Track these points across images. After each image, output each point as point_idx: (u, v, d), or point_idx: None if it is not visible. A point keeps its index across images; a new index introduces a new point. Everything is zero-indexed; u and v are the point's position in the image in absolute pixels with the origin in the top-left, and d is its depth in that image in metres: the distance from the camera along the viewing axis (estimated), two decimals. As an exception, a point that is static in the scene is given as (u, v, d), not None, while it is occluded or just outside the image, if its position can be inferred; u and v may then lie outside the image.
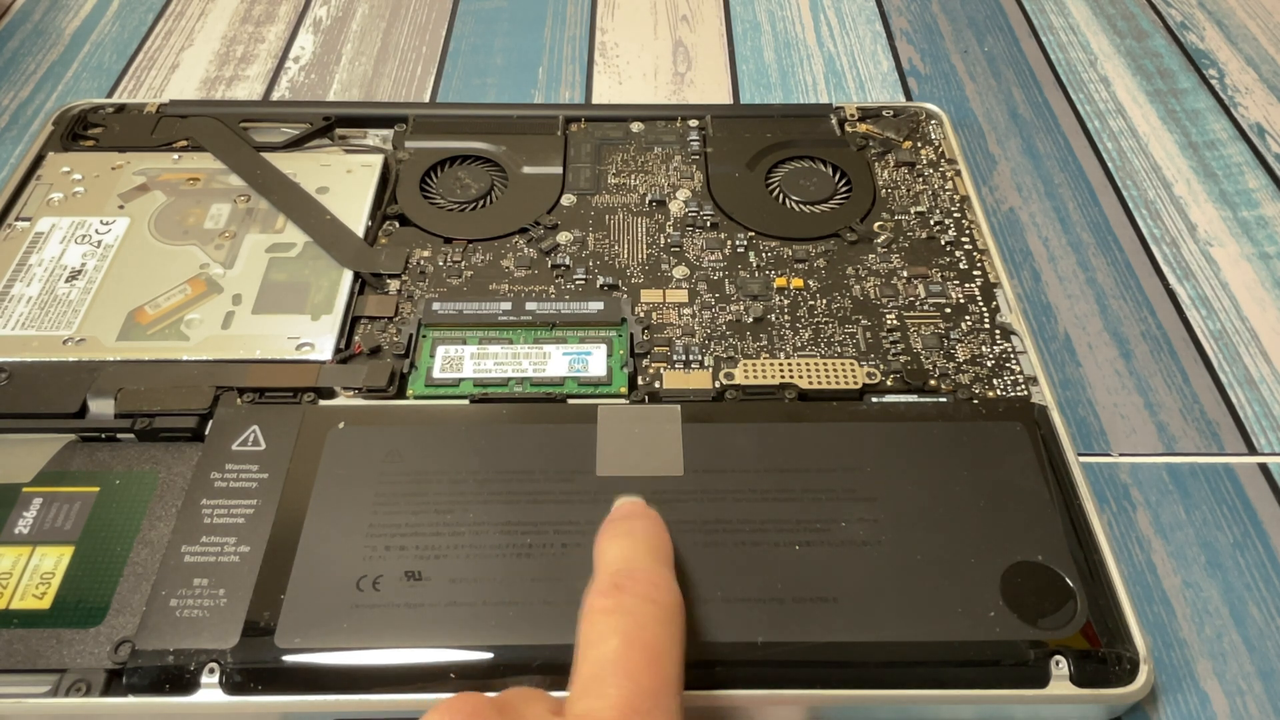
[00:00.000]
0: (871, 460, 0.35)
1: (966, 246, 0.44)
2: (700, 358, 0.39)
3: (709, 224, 0.45)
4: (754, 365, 0.39)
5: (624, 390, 0.38)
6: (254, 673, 0.30)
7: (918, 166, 0.48)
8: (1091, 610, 0.32)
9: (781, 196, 0.47)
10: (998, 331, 0.41)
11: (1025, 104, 0.55)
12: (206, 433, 0.36)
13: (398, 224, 0.45)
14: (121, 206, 0.45)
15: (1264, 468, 0.39)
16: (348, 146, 0.49)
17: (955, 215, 0.45)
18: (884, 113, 0.51)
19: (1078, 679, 0.30)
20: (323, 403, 0.37)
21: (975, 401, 0.38)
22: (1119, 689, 0.31)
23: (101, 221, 0.44)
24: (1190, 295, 0.45)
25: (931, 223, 0.45)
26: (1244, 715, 0.32)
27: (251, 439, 0.36)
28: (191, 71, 0.57)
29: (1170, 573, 0.35)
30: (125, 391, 0.37)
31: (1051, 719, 0.32)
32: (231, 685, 0.30)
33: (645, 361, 0.39)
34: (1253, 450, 0.39)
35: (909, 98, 0.56)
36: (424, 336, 0.40)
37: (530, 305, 0.41)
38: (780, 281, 0.42)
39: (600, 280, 0.42)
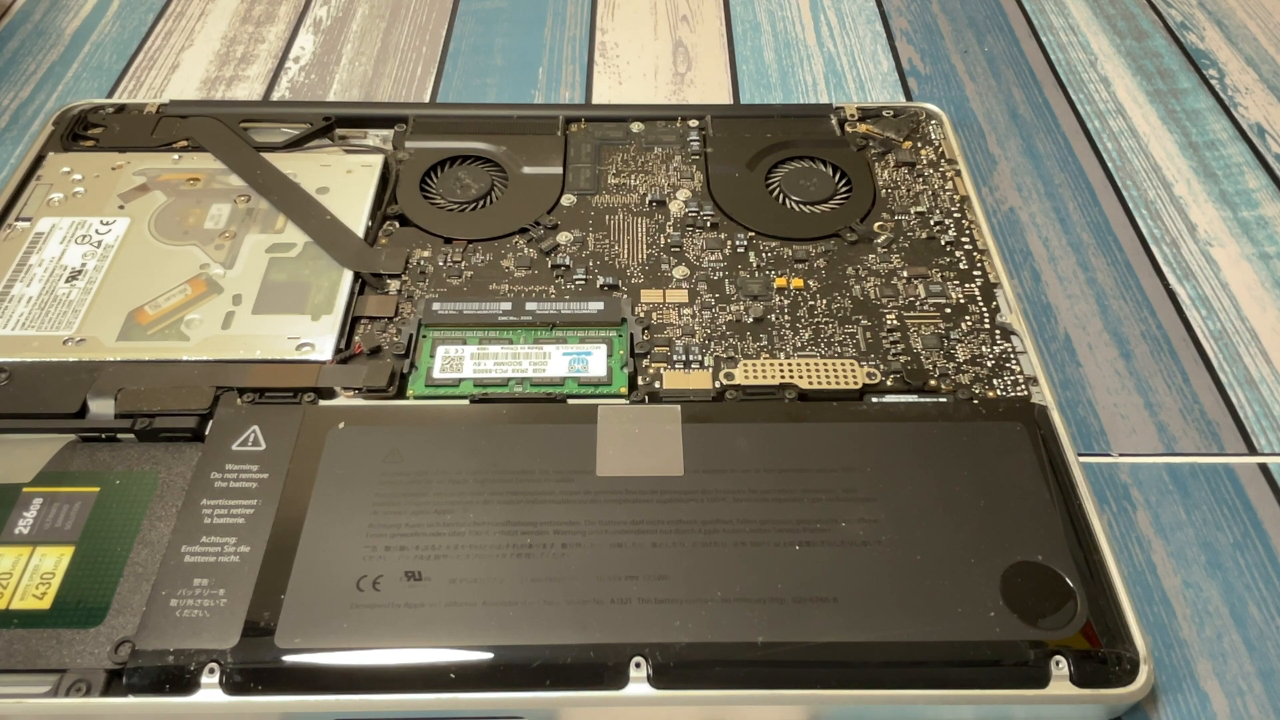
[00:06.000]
0: (871, 460, 0.35)
1: (966, 246, 0.44)
2: (700, 358, 0.39)
3: (709, 224, 0.45)
4: (754, 365, 0.39)
5: (624, 390, 0.38)
6: (254, 673, 0.30)
7: (918, 166, 0.48)
8: (1091, 610, 0.32)
9: (781, 196, 0.47)
10: (998, 331, 0.40)
11: (1025, 104, 0.55)
12: (206, 433, 0.36)
13: (398, 224, 0.45)
14: (121, 206, 0.45)
15: (1264, 468, 0.38)
16: (348, 146, 0.49)
17: (955, 215, 0.45)
18: (884, 113, 0.51)
19: (1078, 679, 0.30)
20: (323, 403, 0.37)
21: (975, 401, 0.38)
22: (1119, 689, 0.31)
23: (101, 221, 0.44)
24: (1190, 295, 0.45)
25: (931, 223, 0.45)
26: (1244, 715, 0.32)
27: (251, 439, 0.36)
28: (191, 71, 0.57)
29: (1170, 573, 0.35)
30: (125, 391, 0.37)
31: (1051, 719, 0.32)
32: (231, 685, 0.30)
33: (645, 361, 0.39)
34: (1253, 450, 0.39)
35: (909, 98, 0.56)
36: (424, 336, 0.40)
37: (530, 305, 0.41)
38: (780, 281, 0.42)
39: (600, 280, 0.42)
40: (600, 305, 0.41)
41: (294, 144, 0.48)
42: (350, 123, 0.50)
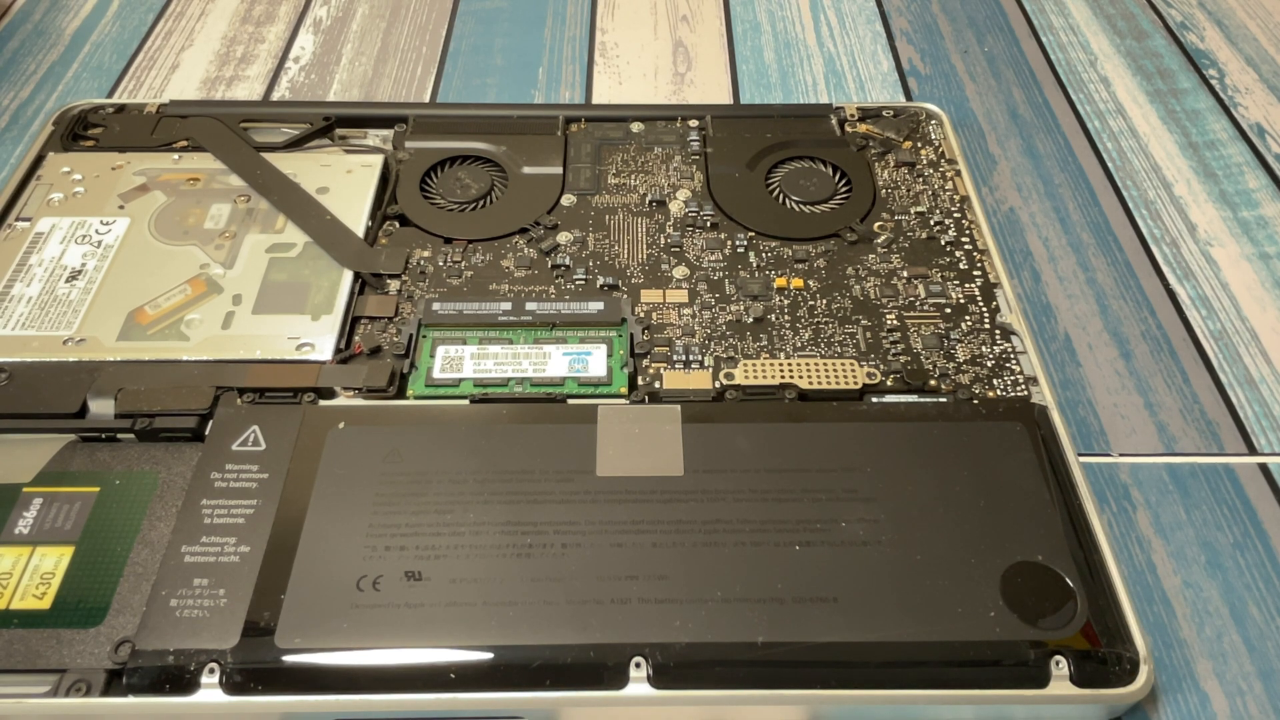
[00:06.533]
0: (871, 460, 0.35)
1: (966, 246, 0.44)
2: (700, 358, 0.39)
3: (709, 224, 0.45)
4: (754, 365, 0.39)
5: (624, 390, 0.38)
6: (254, 673, 0.30)
7: (918, 166, 0.48)
8: (1091, 610, 0.32)
9: (781, 196, 0.47)
10: (998, 331, 0.40)
11: (1025, 104, 0.55)
12: (206, 433, 0.36)
13: (398, 224, 0.45)
14: (121, 206, 0.45)
15: (1264, 468, 0.38)
16: (348, 146, 0.49)
17: (955, 215, 0.45)
18: (884, 113, 0.51)
19: (1078, 679, 0.30)
20: (323, 403, 0.37)
21: (975, 401, 0.38)
22: (1119, 689, 0.31)
23: (101, 221, 0.44)
24: (1190, 295, 0.45)
25: (931, 223, 0.45)
26: (1244, 715, 0.32)
27: (251, 439, 0.36)
28: (191, 71, 0.57)
29: (1170, 573, 0.35)
30: (125, 391, 0.37)
31: (1051, 719, 0.32)
32: (231, 685, 0.30)
33: (645, 361, 0.39)
34: (1253, 450, 0.39)
35: (909, 98, 0.56)
36: (424, 336, 0.40)
37: (530, 305, 0.41)
38: (780, 281, 0.42)
39: (600, 280, 0.42)
40: (600, 305, 0.41)
41: (294, 144, 0.48)
42: (350, 123, 0.50)
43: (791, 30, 0.61)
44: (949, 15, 0.62)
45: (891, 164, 0.48)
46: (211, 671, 0.30)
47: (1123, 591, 0.32)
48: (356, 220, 0.44)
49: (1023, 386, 0.38)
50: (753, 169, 0.48)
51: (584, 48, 0.59)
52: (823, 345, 0.40)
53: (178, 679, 0.30)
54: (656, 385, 0.38)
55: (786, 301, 0.42)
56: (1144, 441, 0.39)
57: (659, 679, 0.30)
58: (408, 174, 0.47)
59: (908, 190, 0.47)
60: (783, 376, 0.38)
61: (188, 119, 0.49)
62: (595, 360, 0.39)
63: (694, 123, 0.50)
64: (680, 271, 0.43)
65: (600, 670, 0.30)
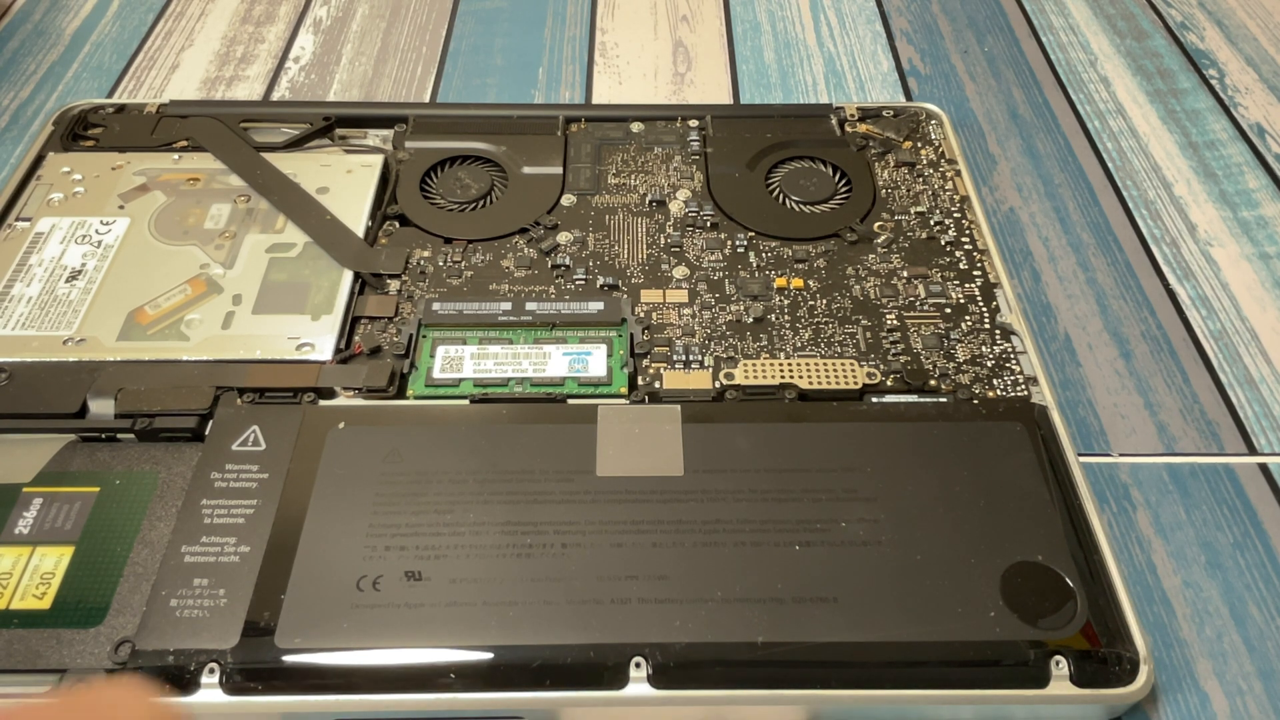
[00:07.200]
0: (871, 460, 0.35)
1: (966, 246, 0.44)
2: (700, 358, 0.39)
3: (709, 224, 0.45)
4: (754, 365, 0.39)
5: (624, 390, 0.38)
6: (254, 673, 0.30)
7: (918, 166, 0.48)
8: (1091, 610, 0.32)
9: (781, 196, 0.47)
10: (998, 331, 0.40)
11: (1025, 104, 0.55)
12: (206, 433, 0.36)
13: (398, 224, 0.45)
14: (121, 206, 0.45)
15: (1264, 468, 0.38)
16: (348, 146, 0.49)
17: (955, 215, 0.45)
18: (884, 113, 0.51)
19: (1078, 679, 0.30)
20: (323, 403, 0.37)
21: (975, 401, 0.38)
22: (1119, 689, 0.31)
23: (101, 221, 0.44)
24: (1190, 295, 0.45)
25: (931, 223, 0.45)
26: (1244, 715, 0.32)
27: (251, 439, 0.36)
28: (191, 71, 0.57)
29: (1170, 573, 0.35)
30: (125, 391, 0.37)
31: (1051, 719, 0.32)
32: (231, 685, 0.30)
33: (645, 361, 0.39)
34: (1253, 450, 0.39)
35: (909, 98, 0.56)
36: (424, 336, 0.40)
37: (530, 305, 0.41)
38: (780, 281, 0.42)
39: (600, 280, 0.42)
40: (600, 305, 0.41)
41: (294, 144, 0.48)
42: (350, 123, 0.50)
43: (791, 30, 0.61)
44: (949, 15, 0.62)
45: (891, 164, 0.48)
46: (211, 671, 0.30)
47: (1123, 591, 0.32)
48: (356, 220, 0.44)
49: (1023, 386, 0.38)
50: (753, 169, 0.48)
51: (584, 48, 0.59)
52: (823, 345, 0.40)
53: (178, 679, 0.30)
54: (656, 385, 0.38)
55: (786, 301, 0.42)
56: (1144, 441, 0.39)
57: (659, 679, 0.30)
58: (408, 174, 0.47)
59: (908, 190, 0.47)
60: (783, 376, 0.38)
61: (188, 119, 0.49)
62: (595, 360, 0.39)
63: (694, 123, 0.50)
64: (680, 271, 0.43)
65: (600, 670, 0.30)
